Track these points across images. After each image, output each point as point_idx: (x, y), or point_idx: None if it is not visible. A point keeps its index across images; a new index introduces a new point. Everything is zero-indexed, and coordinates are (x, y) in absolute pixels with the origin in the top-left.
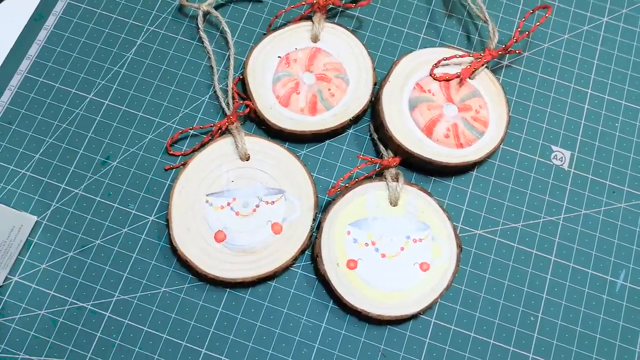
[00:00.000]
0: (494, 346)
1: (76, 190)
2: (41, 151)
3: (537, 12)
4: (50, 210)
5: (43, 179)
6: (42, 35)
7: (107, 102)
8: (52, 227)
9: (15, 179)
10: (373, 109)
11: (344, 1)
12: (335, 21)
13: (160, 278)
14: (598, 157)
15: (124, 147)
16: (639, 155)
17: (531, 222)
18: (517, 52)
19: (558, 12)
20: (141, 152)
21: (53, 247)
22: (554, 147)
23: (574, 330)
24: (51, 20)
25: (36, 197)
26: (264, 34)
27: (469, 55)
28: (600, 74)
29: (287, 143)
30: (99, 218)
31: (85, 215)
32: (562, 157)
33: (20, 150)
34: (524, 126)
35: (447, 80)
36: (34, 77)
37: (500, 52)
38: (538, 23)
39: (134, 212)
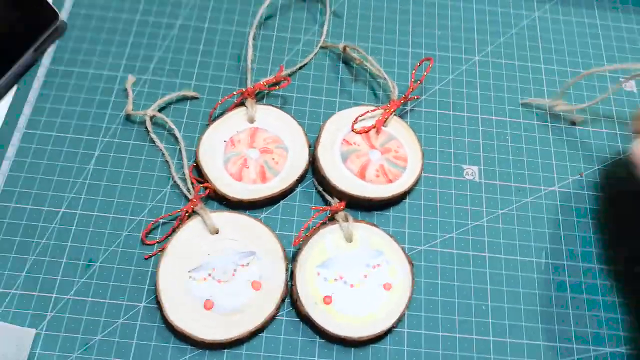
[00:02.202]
0: (460, 339)
1: (67, 297)
2: (26, 269)
3: (423, 64)
4: (46, 320)
5: (33, 293)
6: (5, 165)
7: (79, 211)
8: (51, 335)
9: (6, 300)
10: (313, 167)
11: (268, 85)
12: (265, 102)
13: (162, 355)
14: (500, 165)
15: (103, 247)
16: (530, 157)
17: (462, 229)
18: (415, 98)
19: (440, 59)
20: (120, 249)
21: (56, 352)
22: (464, 166)
23: (519, 309)
24: (11, 151)
25: (30, 311)
26: (207, 124)
27: (379, 109)
28: (484, 100)
29: (247, 211)
30: (94, 316)
31: (80, 317)
32: (472, 173)
33: (6, 272)
34: (437, 154)
35: (366, 132)
36: (5, 205)
37: (402, 101)
38: (425, 73)
39: (125, 303)
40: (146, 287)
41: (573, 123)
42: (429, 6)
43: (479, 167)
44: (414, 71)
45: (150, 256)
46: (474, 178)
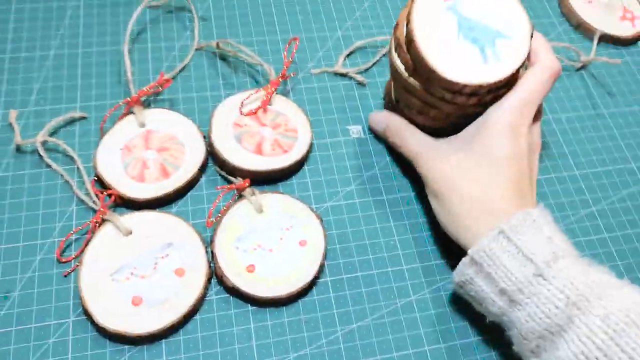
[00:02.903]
0: (377, 274)
1: None
2: None
3: (291, 44)
4: None
5: None
6: None
7: None
8: None
9: None
10: (212, 154)
11: (151, 89)
12: (153, 106)
13: None
14: None
15: (18, 276)
16: None
17: (359, 180)
18: (292, 75)
19: (308, 40)
20: (36, 273)
21: None
22: (349, 127)
23: (423, 236)
24: None
25: None
26: (100, 138)
27: (261, 90)
28: (353, 66)
29: (157, 209)
30: (23, 343)
31: (8, 348)
32: (357, 131)
33: None
34: (323, 122)
35: (254, 113)
36: None
37: (280, 80)
38: (294, 51)
39: (53, 322)
40: (71, 302)
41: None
42: None
43: (362, 125)
44: (285, 52)
45: (69, 272)
46: (359, 135)
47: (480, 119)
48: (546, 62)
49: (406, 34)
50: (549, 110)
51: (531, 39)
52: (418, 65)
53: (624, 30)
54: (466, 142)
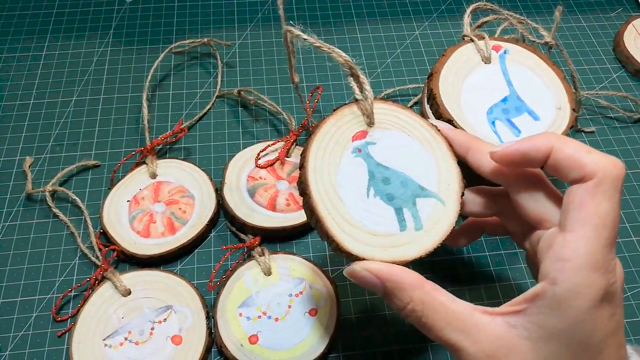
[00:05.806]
0: (399, 351)
1: None
2: None
3: (315, 93)
4: None
5: None
6: None
7: None
8: None
9: None
10: (223, 208)
11: (166, 139)
12: (168, 156)
13: None
14: None
15: (11, 334)
16: None
17: None
18: (313, 125)
19: (334, 87)
20: (30, 332)
21: None
22: None
23: None
24: None
25: None
26: (109, 188)
27: (279, 141)
28: None
29: (162, 266)
30: None
31: None
32: None
33: None
34: None
35: (271, 165)
36: None
37: (300, 130)
38: (316, 101)
39: None
40: None
41: None
42: None
43: None
44: (307, 102)
45: (64, 332)
46: None
47: (545, 289)
48: (602, 170)
49: (299, 183)
50: None
51: (462, 197)
52: None
53: None
54: (543, 327)
